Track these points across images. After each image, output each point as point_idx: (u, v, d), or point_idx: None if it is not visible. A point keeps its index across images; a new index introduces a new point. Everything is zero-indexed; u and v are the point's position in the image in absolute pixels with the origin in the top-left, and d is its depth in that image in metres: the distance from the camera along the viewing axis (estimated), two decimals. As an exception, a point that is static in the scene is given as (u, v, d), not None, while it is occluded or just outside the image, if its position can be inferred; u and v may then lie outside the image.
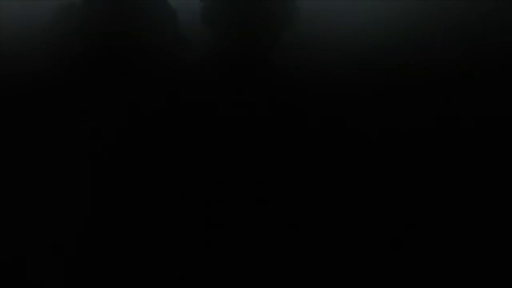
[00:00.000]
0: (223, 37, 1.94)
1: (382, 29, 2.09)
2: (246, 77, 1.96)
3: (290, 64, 2.01)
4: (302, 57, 2.03)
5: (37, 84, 2.04)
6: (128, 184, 1.92)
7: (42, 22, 2.01)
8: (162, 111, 1.97)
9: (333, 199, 1.93)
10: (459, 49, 2.09)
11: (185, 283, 1.86)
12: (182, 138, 1.95)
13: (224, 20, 1.94)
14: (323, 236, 1.91)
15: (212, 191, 1.91)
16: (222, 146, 1.93)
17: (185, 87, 2.01)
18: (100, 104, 2.00)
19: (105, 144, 1.95)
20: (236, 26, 1.93)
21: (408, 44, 2.09)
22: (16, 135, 2.00)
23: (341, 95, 2.01)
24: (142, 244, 1.89)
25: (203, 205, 1.90)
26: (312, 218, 1.92)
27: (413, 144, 2.00)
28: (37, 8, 2.06)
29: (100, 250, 1.88)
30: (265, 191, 1.92)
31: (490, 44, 2.09)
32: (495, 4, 2.09)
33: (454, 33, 2.10)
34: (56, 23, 2.00)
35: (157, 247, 1.88)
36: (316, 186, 1.93)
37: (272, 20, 1.93)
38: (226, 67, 1.97)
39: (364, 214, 1.94)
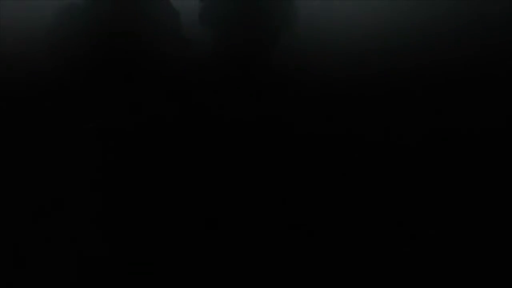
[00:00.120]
0: (222, 38, 1.95)
1: (382, 29, 2.09)
2: (245, 78, 1.96)
3: (289, 64, 2.01)
4: (301, 57, 2.03)
5: (39, 84, 2.05)
6: (130, 184, 1.93)
7: (44, 22, 2.02)
8: (164, 112, 1.97)
9: (332, 200, 1.93)
10: (460, 49, 2.09)
11: (185, 283, 1.86)
12: (182, 137, 1.95)
13: (223, 21, 1.94)
14: (322, 236, 1.91)
15: (212, 191, 1.91)
16: (221, 146, 1.93)
17: (186, 88, 2.01)
18: (102, 104, 2.00)
19: (108, 145, 1.95)
20: (235, 26, 1.93)
21: (408, 45, 2.09)
22: (16, 135, 2.00)
23: (340, 95, 2.01)
24: (143, 244, 1.89)
25: (202, 204, 1.91)
26: (311, 218, 1.92)
27: (415, 147, 2.00)
28: (38, 8, 2.07)
29: (100, 250, 1.89)
30: (266, 192, 1.92)
31: (491, 45, 2.09)
32: (495, 4, 2.09)
33: (454, 33, 2.10)
34: (58, 23, 2.01)
35: (159, 247, 1.89)
36: (315, 186, 1.93)
37: (271, 20, 1.93)
38: (225, 68, 1.97)
39: (364, 215, 1.93)
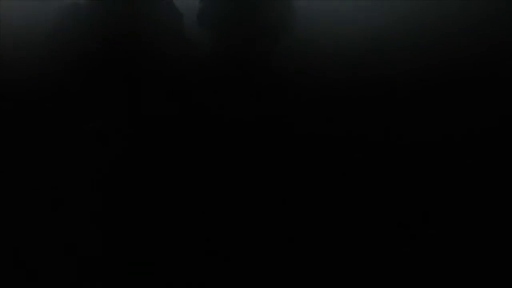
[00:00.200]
0: (219, 39, 1.95)
1: (382, 30, 2.09)
2: (243, 78, 1.96)
3: (287, 65, 2.01)
4: (301, 57, 2.03)
5: (41, 84, 2.05)
6: (132, 183, 1.93)
7: (46, 22, 2.02)
8: (165, 112, 1.97)
9: (332, 199, 1.93)
10: (461, 51, 2.08)
11: (185, 283, 1.86)
12: (182, 137, 1.95)
13: (221, 21, 1.94)
14: (322, 236, 1.91)
15: (211, 190, 1.91)
16: (221, 145, 1.93)
17: (186, 88, 2.01)
18: (105, 104, 2.00)
19: (111, 144, 1.95)
20: (232, 27, 1.93)
21: (408, 46, 2.09)
22: (16, 135, 2.00)
23: (339, 95, 2.01)
24: (144, 243, 1.89)
25: (201, 204, 1.91)
26: (311, 217, 1.92)
27: (417, 148, 2.00)
28: (39, 8, 2.06)
29: (102, 250, 1.89)
30: (265, 192, 1.92)
31: (490, 46, 2.09)
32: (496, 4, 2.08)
33: (456, 34, 2.09)
34: (60, 23, 2.00)
35: (159, 247, 1.89)
36: (314, 186, 1.93)
37: (269, 21, 1.93)
38: (224, 68, 1.97)
39: (364, 215, 1.93)
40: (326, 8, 2.08)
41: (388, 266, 1.89)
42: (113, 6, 1.96)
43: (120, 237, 1.90)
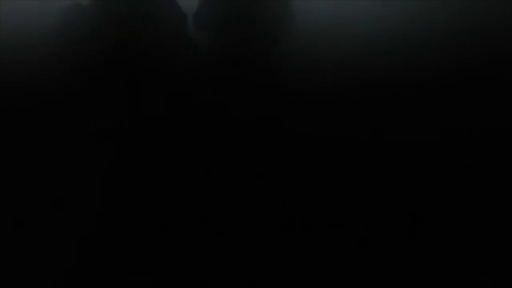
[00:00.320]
0: (217, 39, 1.96)
1: (382, 31, 2.10)
2: (243, 78, 1.97)
3: (287, 65, 2.02)
4: (299, 58, 2.04)
5: (43, 85, 2.06)
6: (131, 183, 1.93)
7: (49, 22, 2.03)
8: (165, 112, 1.98)
9: (331, 199, 1.94)
10: (462, 51, 2.09)
11: (185, 282, 1.86)
12: (182, 137, 1.96)
13: (219, 22, 1.95)
14: (321, 236, 1.91)
15: (211, 189, 1.91)
16: (220, 145, 1.94)
17: (187, 88, 2.02)
18: (108, 105, 2.01)
19: (113, 144, 1.96)
20: (228, 28, 1.94)
21: (408, 48, 2.10)
22: (17, 134, 2.01)
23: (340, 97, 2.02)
24: (144, 243, 1.89)
25: (201, 203, 1.91)
26: (310, 217, 1.92)
27: (418, 149, 2.01)
28: (40, 8, 2.08)
29: (102, 249, 1.89)
30: (264, 191, 1.92)
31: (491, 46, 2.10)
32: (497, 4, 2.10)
33: (457, 34, 2.10)
34: (63, 23, 2.01)
35: (160, 246, 1.89)
36: (314, 186, 1.93)
37: (266, 22, 1.94)
38: (223, 68, 1.98)
39: (364, 215, 1.94)
40: (326, 8, 2.10)
41: (388, 266, 1.89)
42: (115, 7, 1.98)
43: (120, 235, 1.90)
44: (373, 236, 1.91)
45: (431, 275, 1.84)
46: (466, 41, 2.05)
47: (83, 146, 1.98)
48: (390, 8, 2.10)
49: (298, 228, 1.91)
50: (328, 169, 1.95)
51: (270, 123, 1.96)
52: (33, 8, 2.08)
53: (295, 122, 1.97)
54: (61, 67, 2.02)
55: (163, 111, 1.98)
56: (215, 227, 1.91)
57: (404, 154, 1.98)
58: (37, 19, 2.05)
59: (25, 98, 2.05)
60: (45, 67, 2.03)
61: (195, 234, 1.90)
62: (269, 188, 1.92)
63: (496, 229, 1.91)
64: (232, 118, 1.94)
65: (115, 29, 1.97)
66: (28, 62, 2.04)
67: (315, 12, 2.06)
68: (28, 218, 1.93)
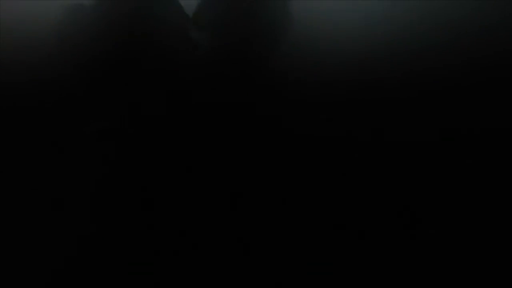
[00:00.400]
0: (217, 39, 1.96)
1: (382, 32, 2.10)
2: (243, 78, 1.97)
3: (286, 65, 2.02)
4: (299, 58, 2.03)
5: (44, 86, 2.05)
6: (134, 182, 1.93)
7: (48, 22, 2.02)
8: (169, 111, 1.98)
9: (331, 199, 1.94)
10: (462, 52, 2.09)
11: (185, 282, 1.86)
12: (182, 137, 1.96)
13: (218, 22, 1.95)
14: (320, 235, 1.91)
15: (211, 188, 1.91)
16: (220, 145, 1.94)
17: (186, 88, 2.02)
18: (108, 104, 2.01)
19: (114, 144, 1.96)
20: (230, 28, 1.94)
21: (408, 49, 2.09)
22: (17, 134, 2.01)
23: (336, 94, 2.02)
24: (145, 242, 1.89)
25: (200, 203, 1.91)
26: (310, 216, 1.92)
27: (418, 149, 2.00)
28: (41, 8, 2.07)
29: (103, 250, 1.89)
30: (264, 191, 1.92)
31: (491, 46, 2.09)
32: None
33: (459, 36, 2.10)
34: (64, 23, 2.01)
35: (160, 246, 1.89)
36: (313, 186, 1.93)
37: (266, 21, 1.94)
38: (222, 68, 1.98)
39: (363, 215, 1.94)
40: (326, 8, 2.10)
41: (388, 265, 1.89)
42: (116, 7, 1.97)
43: (121, 235, 1.90)
44: (373, 235, 1.91)
45: (431, 275, 1.84)
46: (471, 42, 2.05)
47: (83, 146, 1.98)
48: (390, 8, 2.09)
49: (298, 227, 1.91)
50: (328, 169, 1.95)
51: (270, 123, 1.95)
52: (33, 8, 2.08)
53: (295, 122, 1.97)
54: (61, 67, 2.02)
55: (163, 111, 1.98)
56: (215, 227, 1.91)
57: (404, 154, 1.98)
58: (37, 19, 2.05)
59: (25, 98, 2.05)
60: (45, 67, 2.02)
61: (195, 234, 1.90)
62: (269, 188, 1.92)
63: (496, 229, 1.92)
64: (232, 118, 1.94)
65: (115, 29, 1.97)
66: (28, 62, 2.04)
67: (315, 12, 2.06)
68: (28, 218, 1.93)
